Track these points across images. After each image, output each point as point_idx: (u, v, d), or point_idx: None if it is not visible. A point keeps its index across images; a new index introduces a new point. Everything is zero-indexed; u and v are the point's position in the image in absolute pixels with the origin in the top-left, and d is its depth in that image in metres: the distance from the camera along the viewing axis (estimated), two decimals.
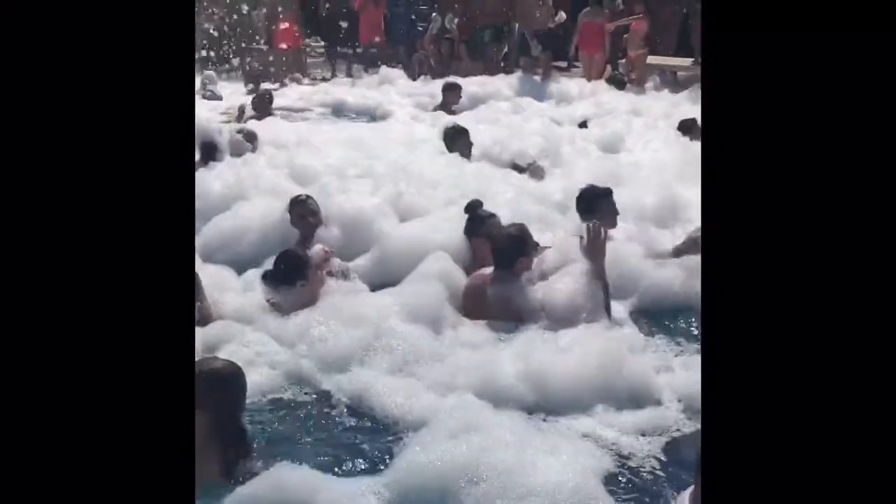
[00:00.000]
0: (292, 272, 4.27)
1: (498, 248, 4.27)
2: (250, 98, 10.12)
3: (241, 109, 9.68)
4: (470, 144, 7.29)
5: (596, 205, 4.88)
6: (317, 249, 4.49)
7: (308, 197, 5.31)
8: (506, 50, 12.75)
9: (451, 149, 7.24)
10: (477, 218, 4.86)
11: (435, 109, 9.91)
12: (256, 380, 3.64)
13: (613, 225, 4.83)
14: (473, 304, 4.26)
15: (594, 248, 4.10)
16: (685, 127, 8.06)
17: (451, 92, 10.11)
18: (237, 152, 7.05)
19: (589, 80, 11.67)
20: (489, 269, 4.34)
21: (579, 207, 4.99)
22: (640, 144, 7.98)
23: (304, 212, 5.20)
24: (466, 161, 7.07)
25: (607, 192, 5.00)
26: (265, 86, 12.07)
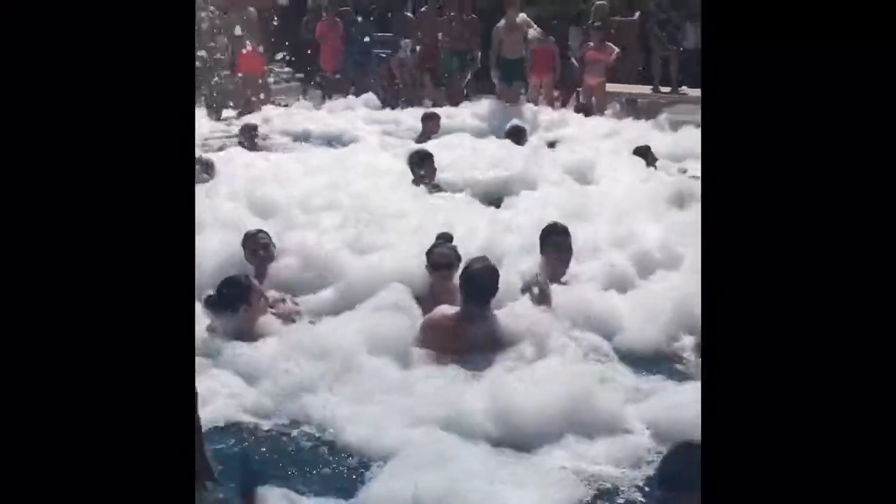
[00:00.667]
0: (236, 298, 4.24)
1: (472, 286, 4.19)
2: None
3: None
4: (434, 170, 7.33)
5: (552, 242, 4.98)
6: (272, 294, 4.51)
7: (259, 231, 5.33)
8: (468, 77, 12.82)
9: (415, 173, 7.28)
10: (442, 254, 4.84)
11: (417, 139, 9.93)
12: (220, 409, 3.65)
13: (566, 263, 4.94)
14: (434, 341, 4.18)
15: (542, 298, 4.27)
16: (640, 153, 8.26)
17: (431, 122, 10.17)
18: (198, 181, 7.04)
19: (536, 103, 11.85)
20: (450, 308, 4.28)
21: (541, 242, 5.06)
22: (611, 172, 8.04)
23: (255, 246, 5.22)
24: (432, 190, 7.11)
25: (564, 230, 5.06)
26: (227, 113, 12.08)
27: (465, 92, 12.60)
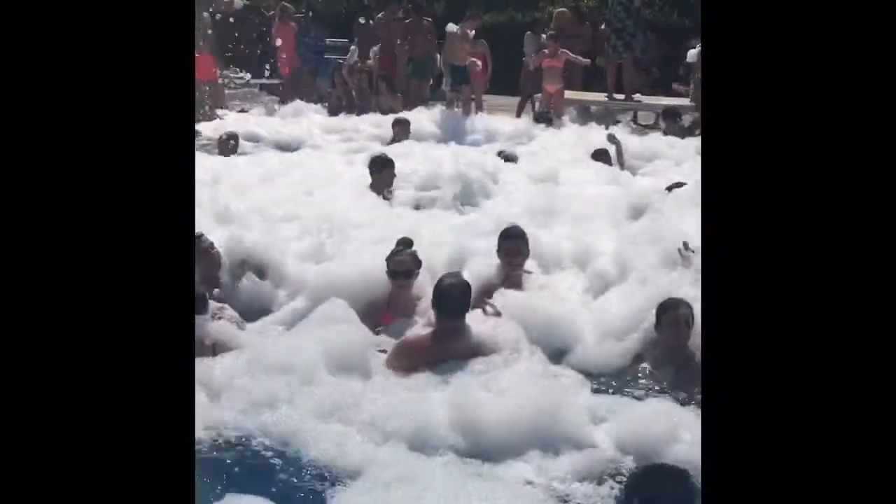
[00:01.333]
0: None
1: (445, 302, 4.14)
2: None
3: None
4: (394, 176, 7.34)
5: (505, 245, 5.03)
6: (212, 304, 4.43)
7: (200, 234, 5.12)
8: (430, 83, 12.83)
9: (374, 179, 7.30)
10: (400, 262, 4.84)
11: (389, 144, 9.90)
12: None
13: (520, 266, 4.97)
14: (410, 364, 4.07)
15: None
16: (597, 155, 8.47)
17: (401, 127, 10.21)
18: None
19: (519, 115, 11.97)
20: (423, 329, 4.24)
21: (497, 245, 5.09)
22: (575, 178, 8.07)
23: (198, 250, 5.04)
24: (388, 196, 7.11)
25: (519, 234, 5.11)
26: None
27: (427, 98, 12.62)
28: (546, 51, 12.26)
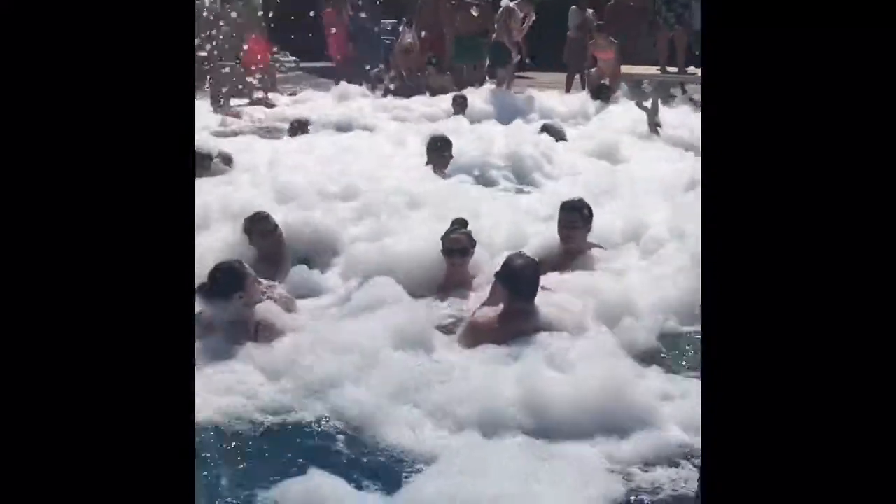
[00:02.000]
0: (230, 284, 4.05)
1: (516, 283, 4.12)
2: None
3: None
4: (451, 156, 7.38)
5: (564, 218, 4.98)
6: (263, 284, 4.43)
7: (266, 214, 5.21)
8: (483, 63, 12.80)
9: (431, 158, 7.35)
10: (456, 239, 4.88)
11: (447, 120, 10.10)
12: (242, 404, 3.62)
13: (581, 240, 4.95)
14: (479, 341, 4.08)
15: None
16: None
17: (459, 104, 10.51)
18: (216, 172, 7.11)
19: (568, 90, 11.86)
20: (492, 309, 4.21)
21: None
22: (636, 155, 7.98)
23: (261, 230, 5.13)
24: (445, 177, 7.12)
25: (578, 206, 5.06)
26: (238, 102, 12.09)
27: (484, 77, 12.59)
28: (600, 23, 12.14)
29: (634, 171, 7.25)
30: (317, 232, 5.69)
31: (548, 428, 3.36)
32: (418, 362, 3.81)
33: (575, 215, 5.03)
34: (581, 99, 11.45)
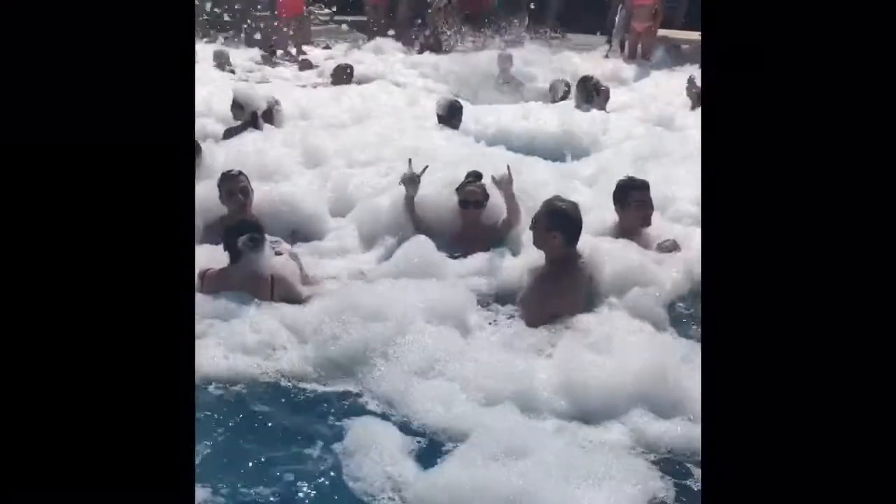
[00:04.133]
0: (253, 241, 4.09)
1: (565, 223, 4.07)
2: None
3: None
4: (460, 122, 7.33)
5: (630, 197, 4.73)
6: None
7: (239, 173, 5.05)
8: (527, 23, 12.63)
9: (443, 122, 7.27)
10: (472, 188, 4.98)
11: (497, 80, 10.20)
12: (272, 365, 3.60)
13: (647, 221, 4.71)
14: (538, 288, 4.13)
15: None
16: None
17: (505, 60, 10.54)
18: (278, 122, 7.18)
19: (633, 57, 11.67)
20: (540, 260, 4.20)
21: (615, 198, 4.82)
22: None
23: (233, 188, 4.96)
24: (474, 141, 7.04)
25: (643, 185, 4.78)
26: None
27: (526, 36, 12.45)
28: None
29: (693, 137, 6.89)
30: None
31: (583, 410, 3.24)
32: (451, 338, 3.68)
33: (647, 194, 4.77)
34: (616, 64, 11.26)
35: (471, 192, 4.97)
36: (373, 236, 5.08)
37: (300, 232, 5.24)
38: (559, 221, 4.06)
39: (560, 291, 4.03)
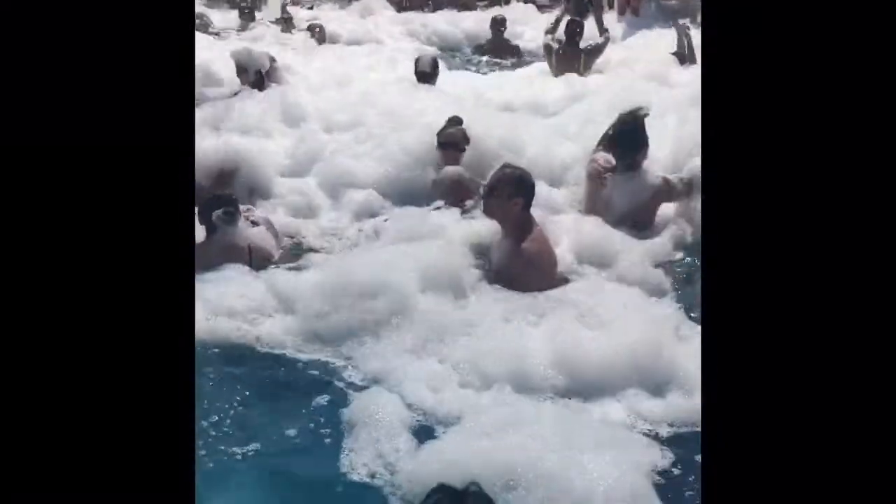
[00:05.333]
0: (227, 214, 4.17)
1: (528, 189, 4.03)
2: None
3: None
4: (436, 78, 7.25)
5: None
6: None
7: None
8: None
9: (423, 79, 7.16)
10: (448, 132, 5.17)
11: (486, 45, 10.20)
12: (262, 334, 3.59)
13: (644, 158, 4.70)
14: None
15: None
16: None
17: (500, 24, 10.47)
18: (279, 80, 7.20)
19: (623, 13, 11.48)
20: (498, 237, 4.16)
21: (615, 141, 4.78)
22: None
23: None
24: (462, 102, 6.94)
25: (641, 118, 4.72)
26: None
27: None
28: None
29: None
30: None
31: (579, 385, 3.17)
32: (447, 311, 3.61)
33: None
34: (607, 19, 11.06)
35: (451, 134, 5.18)
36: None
37: (258, 190, 5.31)
38: (521, 187, 4.00)
39: (531, 258, 3.93)
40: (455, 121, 5.28)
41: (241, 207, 4.40)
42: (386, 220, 4.72)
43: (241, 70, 7.06)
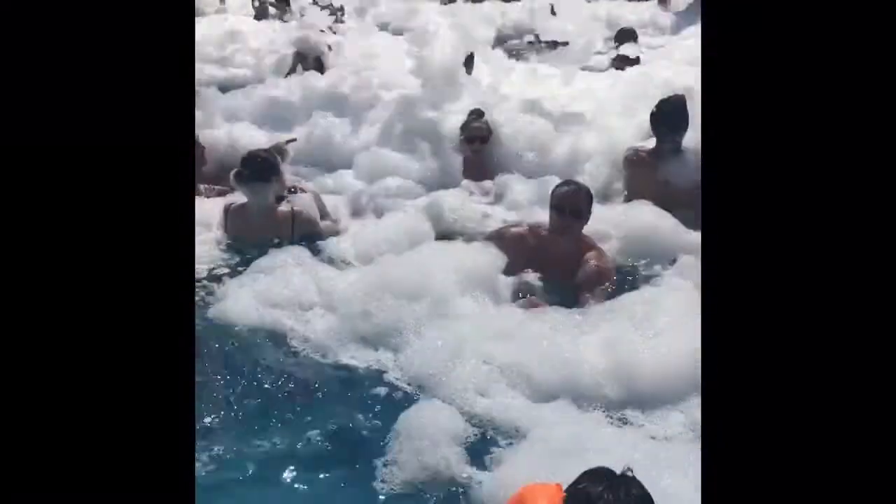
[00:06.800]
0: (266, 168, 4.24)
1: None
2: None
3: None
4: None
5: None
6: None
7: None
8: None
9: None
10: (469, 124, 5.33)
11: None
12: (297, 328, 3.56)
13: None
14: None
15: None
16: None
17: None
18: (333, 64, 7.53)
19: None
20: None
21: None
22: None
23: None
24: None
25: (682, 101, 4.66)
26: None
27: None
28: None
29: None
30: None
31: (635, 394, 3.04)
32: (488, 318, 3.47)
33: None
34: (650, 8, 10.91)
35: (476, 128, 5.33)
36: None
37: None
38: (590, 205, 3.93)
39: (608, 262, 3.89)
40: (477, 113, 5.42)
41: (289, 179, 4.50)
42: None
43: (301, 57, 7.30)
